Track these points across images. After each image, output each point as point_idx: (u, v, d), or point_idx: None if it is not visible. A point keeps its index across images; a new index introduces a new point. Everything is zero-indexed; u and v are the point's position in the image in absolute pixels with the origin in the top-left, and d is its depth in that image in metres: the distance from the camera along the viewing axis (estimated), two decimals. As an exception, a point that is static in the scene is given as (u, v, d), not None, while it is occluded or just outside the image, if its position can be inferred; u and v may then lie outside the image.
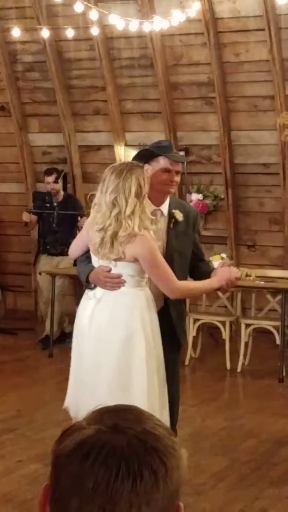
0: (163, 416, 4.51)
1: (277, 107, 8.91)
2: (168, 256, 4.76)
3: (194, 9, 8.45)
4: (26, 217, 9.36)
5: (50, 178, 9.27)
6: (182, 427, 5.48)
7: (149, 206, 4.68)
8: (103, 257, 4.60)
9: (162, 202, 4.84)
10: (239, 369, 8.22)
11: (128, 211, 4.42)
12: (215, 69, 9.10)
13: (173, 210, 4.84)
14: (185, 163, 9.41)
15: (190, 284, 4.88)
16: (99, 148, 10.15)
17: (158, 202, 4.81)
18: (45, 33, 8.74)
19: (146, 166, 4.71)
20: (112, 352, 4.52)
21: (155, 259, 4.54)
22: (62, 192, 9.39)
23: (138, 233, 4.45)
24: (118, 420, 1.21)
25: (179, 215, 4.83)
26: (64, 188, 9.52)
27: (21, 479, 5.19)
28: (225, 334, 8.37)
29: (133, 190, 4.41)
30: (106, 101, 9.84)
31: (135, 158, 4.94)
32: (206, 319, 8.58)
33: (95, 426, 1.21)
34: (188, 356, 8.47)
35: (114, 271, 4.59)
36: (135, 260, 4.53)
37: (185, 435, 5.93)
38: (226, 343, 8.34)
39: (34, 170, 10.53)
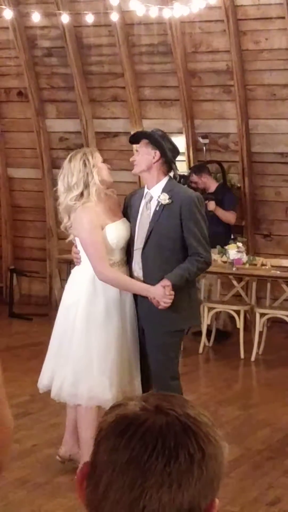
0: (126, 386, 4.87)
1: (296, 96, 8.86)
2: (149, 238, 4.94)
3: (215, -4, 8.40)
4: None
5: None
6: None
7: (145, 189, 5.07)
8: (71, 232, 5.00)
9: (153, 185, 5.01)
10: (253, 358, 8.21)
11: (73, 181, 4.81)
12: (234, 56, 9.06)
13: (161, 193, 4.96)
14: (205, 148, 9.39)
15: (122, 277, 4.89)
16: (116, 135, 10.13)
17: (149, 185, 5.05)
18: (64, 18, 8.71)
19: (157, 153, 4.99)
20: (58, 319, 4.99)
21: (87, 238, 4.83)
22: (212, 185, 9.11)
23: (79, 205, 4.79)
24: (163, 402, 1.23)
25: (164, 198, 4.93)
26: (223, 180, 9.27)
27: (36, 463, 5.21)
28: (240, 323, 8.35)
29: (79, 162, 4.83)
30: (124, 88, 9.81)
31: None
32: (220, 307, 8.57)
33: (139, 404, 1.23)
34: (202, 345, 8.47)
35: (79, 247, 4.96)
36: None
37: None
38: (241, 332, 8.32)
39: (51, 156, 10.52)
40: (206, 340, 8.56)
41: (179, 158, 9.63)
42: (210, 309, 8.48)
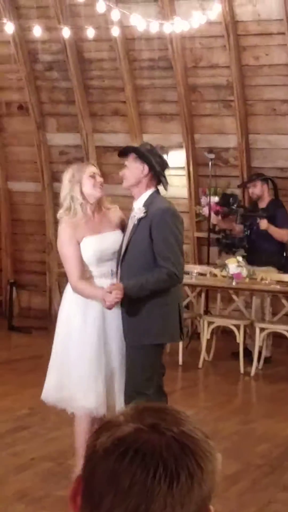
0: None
1: (296, 111, 8.89)
2: (125, 253, 4.98)
3: (215, 12, 8.45)
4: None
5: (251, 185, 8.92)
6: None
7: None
8: None
9: (137, 198, 5.03)
10: (252, 373, 8.20)
11: (62, 195, 5.01)
12: (234, 72, 9.09)
13: (139, 207, 4.98)
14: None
15: (86, 288, 4.94)
16: (116, 149, 10.10)
17: (136, 199, 5.07)
18: (65, 32, 8.74)
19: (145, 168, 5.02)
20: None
21: (61, 251, 5.05)
22: (265, 199, 8.88)
23: (60, 221, 5.03)
24: (157, 420, 1.21)
25: (139, 212, 4.95)
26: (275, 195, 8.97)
27: (34, 477, 5.19)
28: (240, 338, 8.34)
29: (67, 177, 4.99)
30: (124, 102, 9.84)
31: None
32: (220, 322, 8.56)
33: (133, 424, 1.20)
34: (201, 359, 8.45)
35: None
36: None
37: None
38: (240, 346, 8.31)
39: (51, 169, 10.54)
40: (205, 354, 8.53)
41: (179, 172, 9.79)
42: (209, 323, 8.47)
